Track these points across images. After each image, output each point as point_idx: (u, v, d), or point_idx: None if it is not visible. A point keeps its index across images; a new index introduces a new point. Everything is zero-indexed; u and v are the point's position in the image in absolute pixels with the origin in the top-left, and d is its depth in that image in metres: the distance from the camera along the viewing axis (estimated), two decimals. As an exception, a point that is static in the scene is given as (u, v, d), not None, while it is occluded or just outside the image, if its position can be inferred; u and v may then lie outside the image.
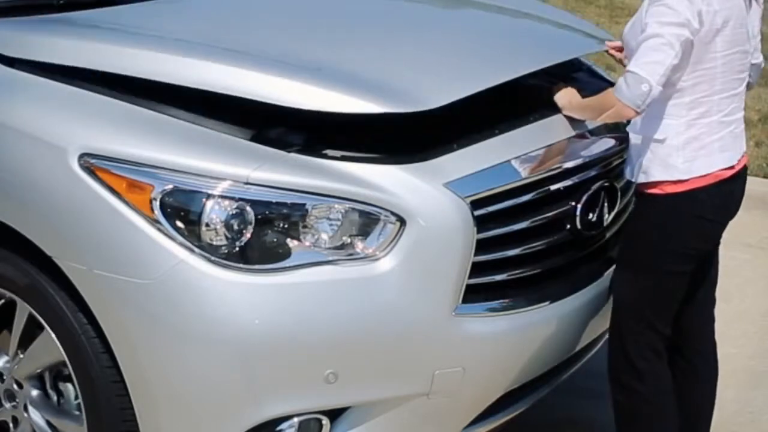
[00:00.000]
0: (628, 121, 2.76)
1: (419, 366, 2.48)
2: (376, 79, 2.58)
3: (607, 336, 2.93)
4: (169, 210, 2.36)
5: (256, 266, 2.36)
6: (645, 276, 2.72)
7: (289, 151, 2.45)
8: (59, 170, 2.43)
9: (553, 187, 2.71)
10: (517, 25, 3.45)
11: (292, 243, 2.39)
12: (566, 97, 2.86)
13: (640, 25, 2.61)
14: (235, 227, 2.36)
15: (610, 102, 2.61)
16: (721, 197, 2.70)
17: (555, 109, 2.89)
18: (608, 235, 2.95)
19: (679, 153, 2.64)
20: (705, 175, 2.65)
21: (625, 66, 2.73)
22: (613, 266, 2.90)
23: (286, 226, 2.39)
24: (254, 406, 2.39)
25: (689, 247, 2.70)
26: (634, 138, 2.72)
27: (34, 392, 2.71)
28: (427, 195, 2.45)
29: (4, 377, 2.76)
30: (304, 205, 2.39)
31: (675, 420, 2.84)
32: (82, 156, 2.41)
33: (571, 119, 2.85)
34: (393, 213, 2.41)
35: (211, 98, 2.47)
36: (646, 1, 2.63)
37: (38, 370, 2.69)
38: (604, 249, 2.93)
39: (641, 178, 2.70)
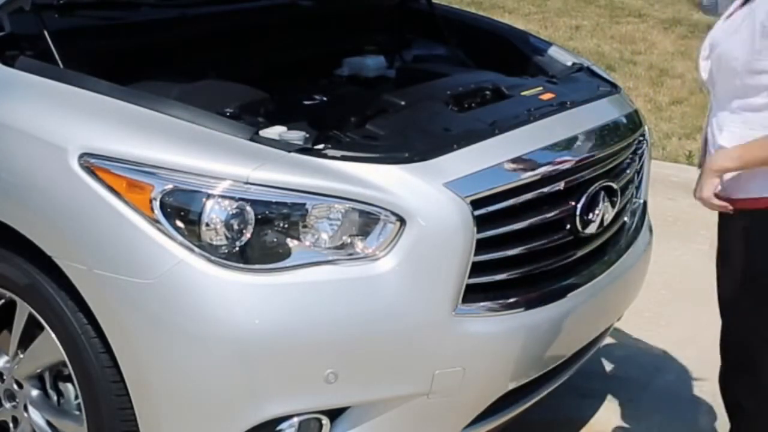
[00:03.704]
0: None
1: (419, 366, 2.47)
2: None
3: (607, 336, 2.93)
4: (169, 210, 2.36)
5: (256, 266, 2.36)
6: None
7: (289, 151, 2.45)
8: (59, 170, 2.43)
9: (553, 187, 2.71)
10: None
11: (292, 243, 2.38)
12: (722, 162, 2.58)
13: (753, 37, 2.42)
14: (235, 227, 2.36)
15: None
16: None
17: (555, 109, 2.90)
18: (608, 235, 2.95)
19: None
20: None
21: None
22: (613, 266, 2.90)
23: (286, 225, 2.39)
24: (254, 406, 2.38)
25: None
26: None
27: (34, 392, 2.71)
28: (427, 195, 2.45)
29: (4, 377, 2.76)
30: (304, 204, 2.39)
31: None
32: (82, 156, 2.41)
33: (570, 119, 2.84)
34: (393, 213, 2.41)
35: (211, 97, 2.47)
36: (752, 6, 2.46)
37: (38, 370, 2.70)
38: (604, 249, 2.93)
39: (739, 195, 2.54)
